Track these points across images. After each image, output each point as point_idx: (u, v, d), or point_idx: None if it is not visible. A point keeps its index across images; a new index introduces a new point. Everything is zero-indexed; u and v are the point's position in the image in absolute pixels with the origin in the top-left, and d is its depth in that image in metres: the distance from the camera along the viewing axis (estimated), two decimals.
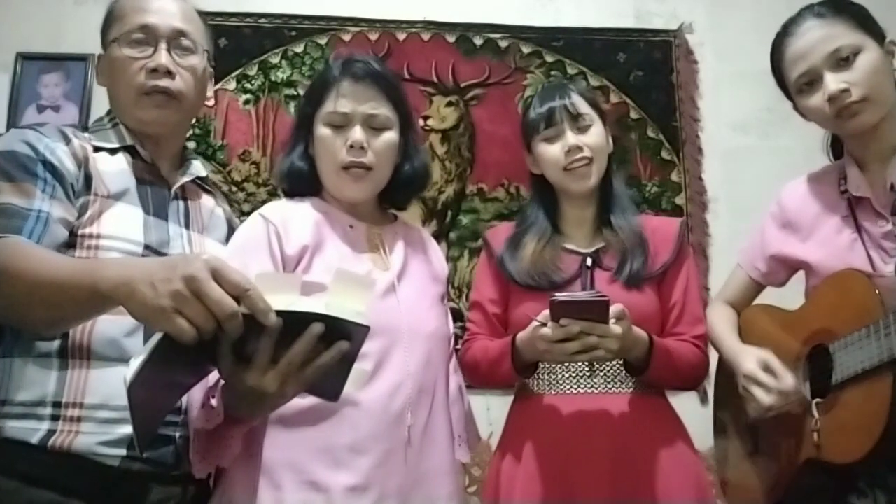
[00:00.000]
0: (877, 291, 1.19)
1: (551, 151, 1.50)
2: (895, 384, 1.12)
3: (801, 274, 1.50)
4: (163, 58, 1.29)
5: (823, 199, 1.41)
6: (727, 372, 1.51)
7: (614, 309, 1.28)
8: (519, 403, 1.53)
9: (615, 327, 1.28)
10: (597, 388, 1.44)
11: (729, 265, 1.73)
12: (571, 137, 1.49)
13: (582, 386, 1.45)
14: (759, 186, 2.02)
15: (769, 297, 1.59)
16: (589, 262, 1.49)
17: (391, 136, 1.41)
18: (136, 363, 0.83)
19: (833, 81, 1.30)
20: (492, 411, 2.18)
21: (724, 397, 1.58)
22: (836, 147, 1.48)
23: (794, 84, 1.38)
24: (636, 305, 1.40)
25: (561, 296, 1.28)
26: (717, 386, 1.61)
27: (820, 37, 1.33)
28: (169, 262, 0.91)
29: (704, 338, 1.48)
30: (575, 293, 1.36)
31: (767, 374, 1.32)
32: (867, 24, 1.34)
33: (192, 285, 0.83)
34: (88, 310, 1.00)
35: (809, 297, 1.42)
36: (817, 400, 1.29)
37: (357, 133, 1.37)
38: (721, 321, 1.54)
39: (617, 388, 1.43)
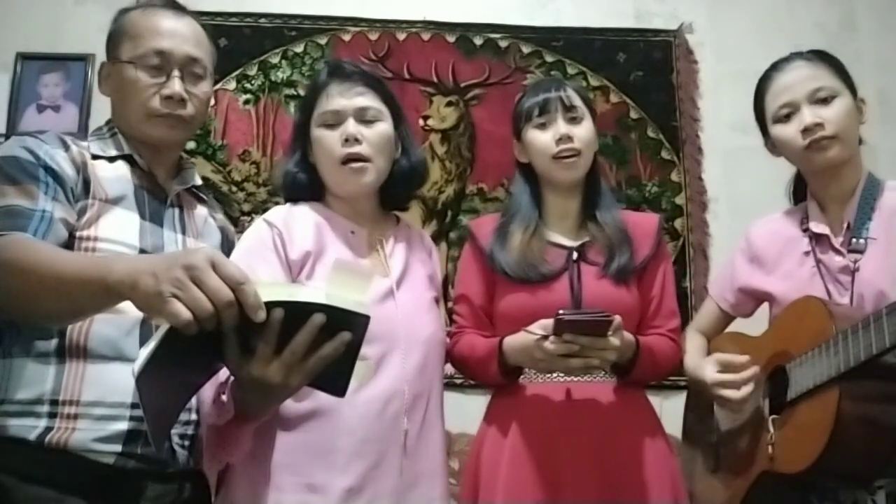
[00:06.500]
0: (830, 315, 1.30)
1: (542, 138, 1.52)
2: (841, 396, 1.22)
3: (766, 306, 1.59)
4: (177, 86, 1.31)
5: (787, 236, 1.53)
6: (694, 391, 1.64)
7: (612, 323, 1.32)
8: (503, 390, 1.52)
9: (614, 340, 1.32)
10: (582, 376, 1.44)
11: None
12: (563, 126, 1.51)
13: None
14: (759, 186, 2.03)
15: (743, 325, 1.64)
16: (575, 255, 1.51)
17: (384, 126, 1.43)
18: (144, 354, 0.86)
19: (810, 115, 1.42)
20: None
21: (691, 416, 1.68)
22: (798, 193, 1.60)
23: (773, 114, 1.49)
24: (623, 300, 1.46)
25: (567, 314, 1.30)
26: (686, 407, 1.71)
27: (805, 75, 1.46)
28: (171, 255, 0.95)
29: (678, 330, 1.55)
30: (580, 311, 1.37)
31: (728, 373, 1.43)
32: (846, 77, 1.49)
33: (191, 273, 0.86)
34: (96, 303, 1.03)
35: (771, 324, 1.53)
36: (773, 416, 1.38)
37: (350, 126, 1.40)
38: (692, 351, 1.63)
39: (602, 377, 1.45)
